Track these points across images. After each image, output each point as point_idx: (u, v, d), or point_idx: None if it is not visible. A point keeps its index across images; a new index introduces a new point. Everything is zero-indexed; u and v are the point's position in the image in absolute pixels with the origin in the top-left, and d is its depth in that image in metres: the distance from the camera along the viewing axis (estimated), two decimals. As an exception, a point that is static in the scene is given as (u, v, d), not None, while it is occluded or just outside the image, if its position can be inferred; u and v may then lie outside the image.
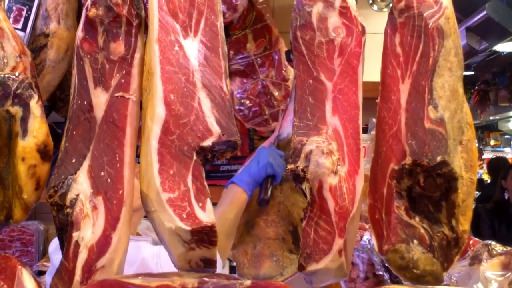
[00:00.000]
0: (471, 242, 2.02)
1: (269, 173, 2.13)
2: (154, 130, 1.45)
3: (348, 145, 1.52)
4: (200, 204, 1.42)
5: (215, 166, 3.56)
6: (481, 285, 1.85)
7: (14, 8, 1.99)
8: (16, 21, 1.99)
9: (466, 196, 1.44)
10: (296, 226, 2.23)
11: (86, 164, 1.48)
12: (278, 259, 2.18)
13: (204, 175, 1.46)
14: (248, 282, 1.33)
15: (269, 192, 2.13)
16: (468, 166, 1.45)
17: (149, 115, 1.47)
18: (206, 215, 1.40)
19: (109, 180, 1.47)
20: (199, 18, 1.56)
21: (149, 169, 1.43)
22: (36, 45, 2.00)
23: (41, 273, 3.78)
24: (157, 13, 1.53)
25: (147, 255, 2.24)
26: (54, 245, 2.65)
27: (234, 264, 4.16)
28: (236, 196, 2.14)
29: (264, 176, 2.13)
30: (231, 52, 3.11)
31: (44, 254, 4.15)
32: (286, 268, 2.17)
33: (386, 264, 1.57)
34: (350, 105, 1.55)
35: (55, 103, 2.23)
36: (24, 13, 2.00)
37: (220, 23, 1.58)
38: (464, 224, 1.45)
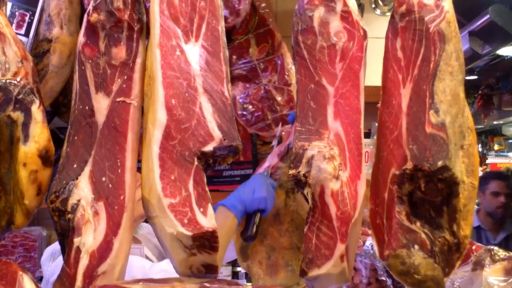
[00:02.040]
0: (473, 247, 2.01)
1: (261, 207, 2.06)
2: (155, 135, 1.45)
3: (350, 150, 1.52)
4: (202, 209, 1.42)
5: (218, 171, 3.55)
6: (483, 291, 1.85)
7: (17, 13, 2.00)
8: (19, 26, 1.99)
9: (468, 201, 1.44)
10: None
11: (87, 169, 1.48)
12: (293, 269, 2.16)
13: (205, 180, 1.46)
14: (249, 287, 1.33)
15: (255, 229, 2.07)
16: (470, 171, 1.45)
17: (150, 120, 1.47)
18: (207, 221, 1.40)
19: (110, 185, 1.46)
20: (201, 23, 1.56)
21: (151, 175, 1.43)
22: (39, 50, 2.01)
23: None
24: (159, 18, 1.54)
25: (136, 274, 2.21)
26: (46, 254, 2.63)
27: (238, 269, 4.16)
28: (228, 221, 2.05)
29: (256, 208, 2.06)
30: (234, 57, 3.11)
31: (47, 259, 4.15)
32: None
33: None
34: (352, 109, 1.54)
35: (58, 109, 2.23)
36: (27, 18, 2.00)
37: (221, 27, 1.58)
38: (465, 229, 1.44)
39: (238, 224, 2.07)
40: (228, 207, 2.07)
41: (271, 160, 2.22)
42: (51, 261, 2.56)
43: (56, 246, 2.57)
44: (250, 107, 3.14)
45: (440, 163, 1.42)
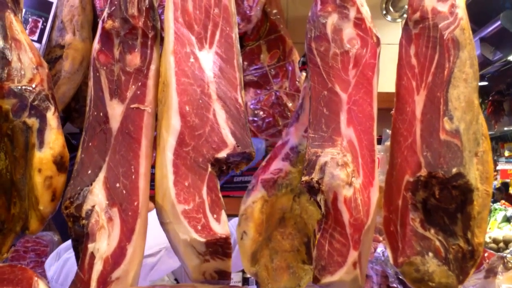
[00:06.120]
0: (486, 254, 2.00)
1: None
2: (169, 142, 1.45)
3: (363, 156, 1.51)
4: (215, 215, 1.42)
5: (229, 177, 3.55)
6: (496, 298, 1.84)
7: (30, 19, 2.02)
8: (32, 32, 2.01)
9: (482, 208, 1.43)
10: (310, 237, 2.23)
11: (101, 175, 1.48)
12: (294, 271, 2.18)
13: (218, 186, 1.47)
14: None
15: None
16: (484, 178, 1.44)
17: (164, 127, 1.48)
18: (221, 227, 1.41)
19: (124, 191, 1.47)
20: (215, 29, 1.56)
21: (164, 181, 1.43)
22: (51, 56, 2.02)
23: (55, 283, 3.78)
24: (173, 25, 1.54)
25: None
26: (50, 257, 2.61)
27: (248, 276, 4.16)
28: None
29: None
30: (245, 63, 3.11)
31: (57, 264, 4.15)
32: (302, 279, 2.18)
33: (400, 277, 1.56)
34: (365, 116, 1.54)
35: (70, 114, 2.24)
36: (40, 24, 2.02)
37: (235, 34, 1.58)
38: (480, 236, 1.43)
39: None
40: None
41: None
42: (56, 260, 2.56)
43: (61, 246, 2.57)
44: (261, 113, 3.14)
45: (454, 170, 1.41)
